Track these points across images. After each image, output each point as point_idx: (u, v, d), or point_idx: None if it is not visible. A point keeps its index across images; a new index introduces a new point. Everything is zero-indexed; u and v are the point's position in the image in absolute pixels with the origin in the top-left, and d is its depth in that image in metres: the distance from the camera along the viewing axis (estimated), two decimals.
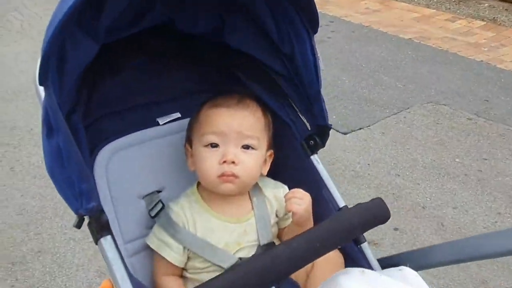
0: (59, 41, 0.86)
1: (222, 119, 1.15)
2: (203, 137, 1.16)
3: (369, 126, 3.35)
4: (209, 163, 1.14)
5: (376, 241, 2.29)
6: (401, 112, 3.54)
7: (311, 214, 1.17)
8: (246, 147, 1.16)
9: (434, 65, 4.40)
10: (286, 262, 0.84)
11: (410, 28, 5.49)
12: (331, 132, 3.19)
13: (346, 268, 1.00)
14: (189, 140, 1.23)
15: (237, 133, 1.14)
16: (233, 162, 1.12)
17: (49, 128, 0.89)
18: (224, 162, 1.12)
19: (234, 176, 1.13)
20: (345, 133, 3.25)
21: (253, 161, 1.16)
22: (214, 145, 1.15)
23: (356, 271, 0.95)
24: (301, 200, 1.14)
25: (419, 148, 3.10)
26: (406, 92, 3.86)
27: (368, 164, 2.91)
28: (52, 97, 0.87)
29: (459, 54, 4.67)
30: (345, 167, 2.87)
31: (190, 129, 1.24)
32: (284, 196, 1.17)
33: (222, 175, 1.13)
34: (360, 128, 3.32)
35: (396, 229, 2.38)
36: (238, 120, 1.16)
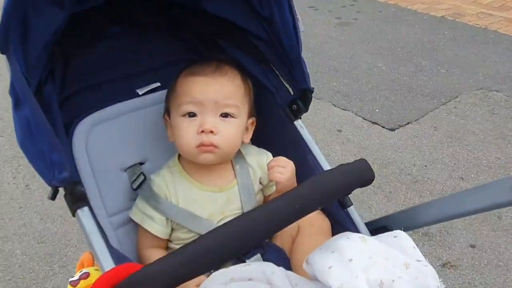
0: (19, 7, 0.82)
1: (198, 88, 1.12)
2: (180, 107, 1.12)
3: (417, 120, 3.01)
4: (187, 133, 1.11)
5: (453, 263, 1.98)
6: (450, 102, 3.20)
7: (295, 181, 1.14)
8: (225, 115, 1.12)
9: (476, 45, 4.03)
10: (265, 224, 0.81)
11: (441, 5, 5.09)
12: (378, 129, 2.91)
13: (346, 232, 0.95)
14: (167, 111, 1.20)
15: (214, 102, 1.11)
16: (211, 132, 1.09)
17: (16, 100, 0.85)
18: (202, 132, 1.09)
19: (213, 146, 1.10)
20: (392, 129, 2.92)
21: (233, 129, 1.13)
22: (192, 115, 1.12)
23: (356, 236, 0.92)
24: (284, 168, 1.11)
25: (479, 144, 2.76)
26: (451, 78, 3.51)
27: (425, 166, 2.59)
28: (16, 66, 0.84)
29: (500, 32, 4.29)
30: (400, 171, 2.54)
31: (167, 100, 1.20)
32: (267, 165, 1.14)
33: (201, 145, 1.10)
34: (408, 123, 2.98)
35: (472, 246, 2.07)
36: (215, 88, 1.12)
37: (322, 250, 0.90)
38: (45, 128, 0.86)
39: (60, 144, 0.90)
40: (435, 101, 3.22)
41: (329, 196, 0.92)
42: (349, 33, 4.37)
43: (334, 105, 3.19)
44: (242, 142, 1.19)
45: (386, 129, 2.92)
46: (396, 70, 3.66)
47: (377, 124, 2.97)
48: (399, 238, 0.93)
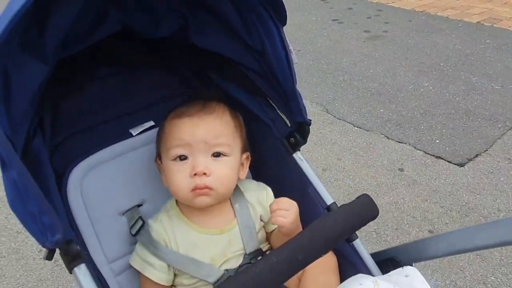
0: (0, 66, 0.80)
1: (185, 130, 1.08)
2: (170, 151, 1.09)
3: (486, 150, 2.68)
4: (179, 177, 1.07)
5: None
6: None
7: (299, 223, 1.09)
8: (217, 154, 1.08)
9: None
10: (268, 280, 0.79)
11: (472, 9, 4.77)
12: (445, 166, 2.53)
13: (358, 276, 0.94)
14: (159, 155, 1.16)
15: (204, 142, 1.07)
16: (204, 174, 1.05)
17: (3, 162, 0.82)
18: (195, 174, 1.06)
19: (208, 188, 1.06)
20: (461, 165, 2.58)
21: (227, 169, 1.09)
22: (183, 158, 1.08)
23: (369, 281, 0.90)
24: (287, 211, 1.06)
25: None
26: (510, 96, 3.18)
27: None
28: None
29: None
30: (484, 219, 2.21)
31: (157, 144, 1.17)
32: (269, 206, 1.09)
33: (195, 188, 1.06)
34: (477, 155, 2.65)
35: None
36: (203, 128, 1.08)
37: None
38: (34, 191, 0.83)
39: (50, 205, 0.86)
40: (499, 125, 2.88)
41: (334, 241, 0.91)
42: (383, 48, 4.04)
43: (388, 138, 2.85)
44: (238, 179, 1.15)
45: (454, 164, 2.58)
46: (445, 89, 3.33)
47: (442, 158, 2.63)
48: (411, 277, 0.91)
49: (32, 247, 2.28)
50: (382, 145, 2.79)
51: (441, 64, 3.68)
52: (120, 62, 1.24)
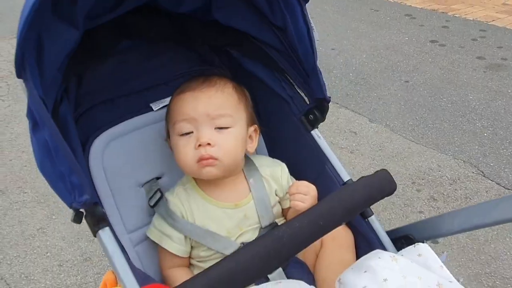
0: (33, 31, 0.81)
1: (188, 104, 1.10)
2: (175, 126, 1.11)
3: None
4: (185, 150, 1.08)
5: None
6: None
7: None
8: (221, 127, 1.10)
9: None
10: (289, 243, 0.82)
11: None
12: None
13: (376, 251, 0.96)
14: (168, 133, 1.17)
15: (206, 115, 1.08)
16: (208, 144, 1.07)
17: (34, 122, 0.84)
18: (200, 145, 1.07)
19: (213, 158, 1.07)
20: None
21: (231, 140, 1.09)
22: (188, 132, 1.10)
23: (387, 255, 0.92)
24: (305, 196, 1.08)
25: None
26: None
27: None
28: (33, 91, 0.81)
29: None
30: None
31: (166, 122, 1.18)
32: (288, 189, 1.12)
33: (200, 159, 1.07)
34: None
35: None
36: (204, 100, 1.10)
37: (354, 270, 0.91)
38: (65, 151, 0.84)
39: (79, 166, 0.88)
40: None
41: (353, 211, 0.93)
42: (507, 81, 3.28)
43: None
44: (248, 152, 1.15)
45: None
46: None
47: None
48: (424, 256, 0.94)
49: None
50: None
51: None
52: (141, 36, 1.23)
